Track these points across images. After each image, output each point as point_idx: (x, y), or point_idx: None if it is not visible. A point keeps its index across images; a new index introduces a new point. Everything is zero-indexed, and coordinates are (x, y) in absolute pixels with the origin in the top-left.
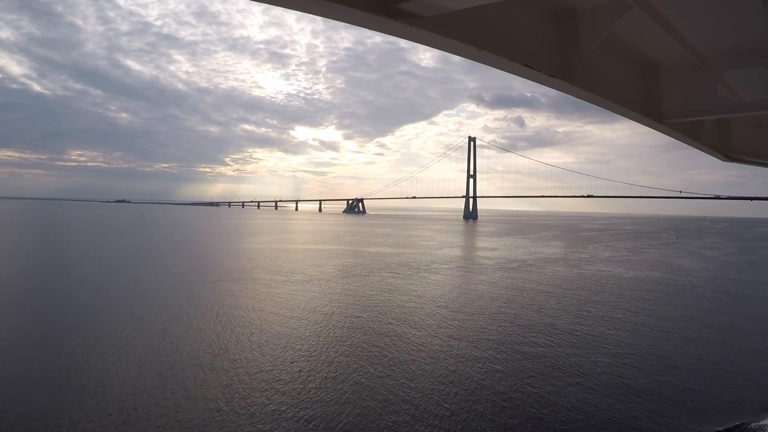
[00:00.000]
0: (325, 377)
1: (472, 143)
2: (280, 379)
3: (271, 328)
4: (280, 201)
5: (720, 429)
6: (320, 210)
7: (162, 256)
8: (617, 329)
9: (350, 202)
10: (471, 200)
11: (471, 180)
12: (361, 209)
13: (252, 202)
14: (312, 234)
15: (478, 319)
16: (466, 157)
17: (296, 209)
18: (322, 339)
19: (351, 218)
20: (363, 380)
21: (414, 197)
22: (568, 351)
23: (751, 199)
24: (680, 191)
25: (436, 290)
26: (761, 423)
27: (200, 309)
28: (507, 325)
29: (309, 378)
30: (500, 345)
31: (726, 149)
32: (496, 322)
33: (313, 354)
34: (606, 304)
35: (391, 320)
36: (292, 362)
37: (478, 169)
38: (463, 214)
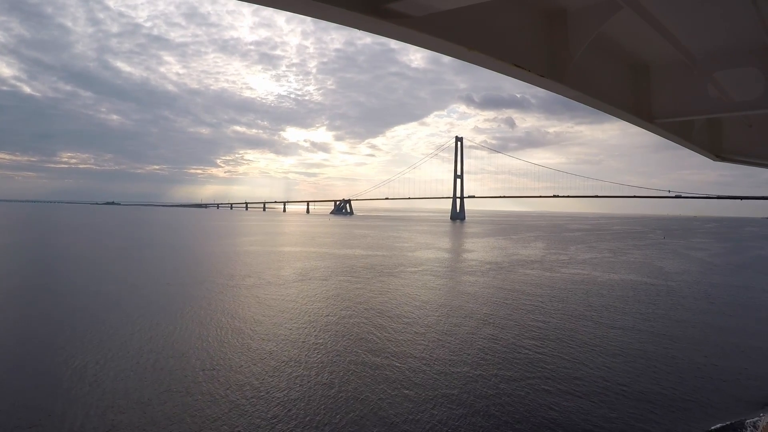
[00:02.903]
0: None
1: (459, 143)
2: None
3: (188, 338)
4: (269, 202)
5: (717, 426)
6: (308, 211)
7: (120, 258)
8: (571, 337)
9: (338, 203)
10: (458, 201)
11: (458, 180)
12: (348, 210)
13: (240, 203)
14: (288, 236)
15: (415, 327)
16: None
17: (284, 210)
18: (237, 350)
19: (336, 219)
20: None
21: (386, 198)
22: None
23: (741, 198)
24: (669, 190)
25: (389, 295)
26: (755, 420)
27: (127, 316)
28: (445, 335)
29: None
30: (427, 357)
31: (717, 149)
32: (436, 331)
33: (215, 366)
34: (567, 310)
35: (324, 330)
36: (184, 377)
37: (469, 170)
38: (450, 214)
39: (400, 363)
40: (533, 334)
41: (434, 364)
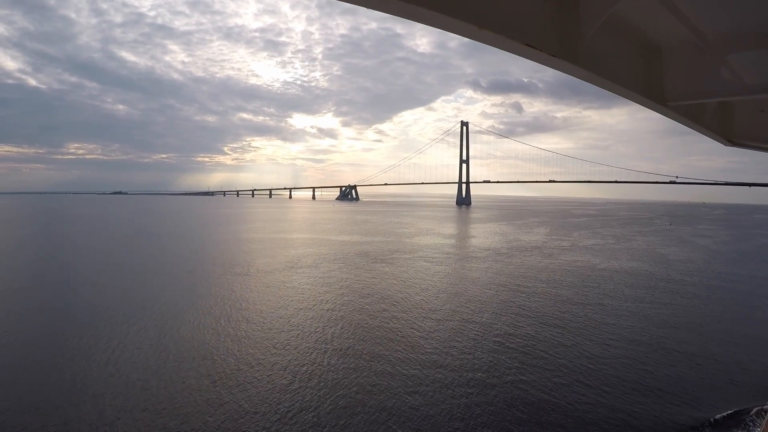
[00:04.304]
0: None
1: (464, 128)
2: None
3: (155, 330)
4: (275, 189)
5: (724, 414)
6: (314, 197)
7: (121, 248)
8: (564, 324)
9: (343, 189)
10: (464, 186)
11: (464, 165)
12: (354, 196)
13: (247, 190)
14: (289, 222)
15: (392, 314)
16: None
17: (290, 197)
18: (196, 344)
19: (340, 205)
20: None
21: (386, 183)
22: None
23: (750, 185)
24: (677, 176)
25: (374, 282)
26: (760, 408)
27: (113, 304)
28: (423, 325)
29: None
30: (396, 348)
31: (728, 133)
32: (410, 323)
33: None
34: (562, 297)
35: (294, 319)
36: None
37: (476, 155)
38: (456, 200)
39: (368, 363)
40: (521, 321)
41: (400, 355)
